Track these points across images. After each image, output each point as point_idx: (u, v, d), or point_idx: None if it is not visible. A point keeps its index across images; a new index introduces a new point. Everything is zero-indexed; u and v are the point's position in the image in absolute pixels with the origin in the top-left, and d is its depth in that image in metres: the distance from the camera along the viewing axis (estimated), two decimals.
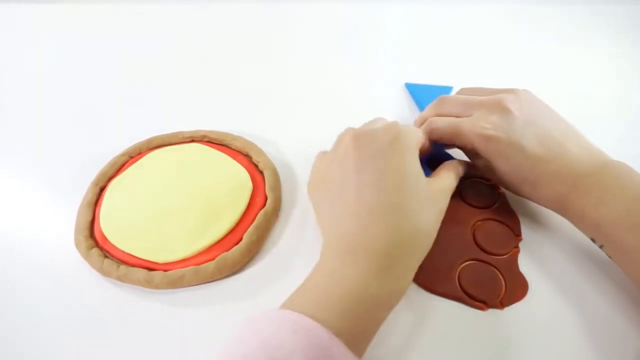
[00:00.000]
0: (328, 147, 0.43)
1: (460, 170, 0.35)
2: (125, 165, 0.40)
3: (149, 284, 0.32)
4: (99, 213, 0.36)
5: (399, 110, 0.48)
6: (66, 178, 0.41)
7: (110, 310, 0.32)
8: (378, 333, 0.29)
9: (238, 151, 0.41)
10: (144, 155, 0.41)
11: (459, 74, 0.53)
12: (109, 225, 0.35)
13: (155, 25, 0.64)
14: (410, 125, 0.33)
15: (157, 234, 0.34)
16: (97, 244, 0.34)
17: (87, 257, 0.33)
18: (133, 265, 0.33)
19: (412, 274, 0.27)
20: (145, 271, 0.32)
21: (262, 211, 0.36)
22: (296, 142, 0.44)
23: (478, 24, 0.64)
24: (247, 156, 0.41)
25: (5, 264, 0.35)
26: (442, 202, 0.30)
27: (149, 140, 0.42)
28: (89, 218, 0.36)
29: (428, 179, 0.30)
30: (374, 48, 0.59)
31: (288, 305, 0.25)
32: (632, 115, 0.48)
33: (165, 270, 0.32)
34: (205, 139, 0.43)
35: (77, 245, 0.34)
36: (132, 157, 0.41)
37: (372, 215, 0.27)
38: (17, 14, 0.66)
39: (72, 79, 0.54)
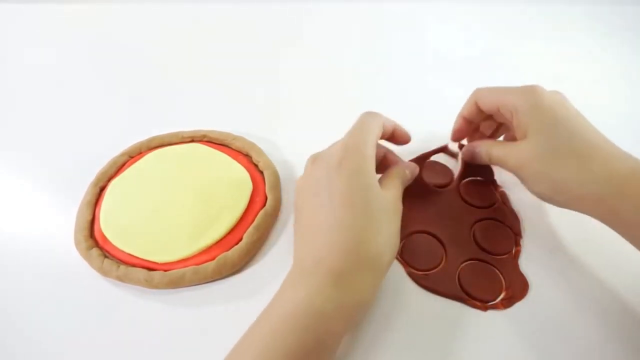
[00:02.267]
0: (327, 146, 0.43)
1: (408, 175, 0.34)
2: (125, 165, 0.40)
3: (149, 284, 0.32)
4: (99, 213, 0.36)
5: (400, 110, 0.48)
6: (66, 178, 0.41)
7: (110, 310, 0.32)
8: (378, 333, 0.29)
9: (238, 151, 0.41)
10: (144, 155, 0.41)
11: (461, 77, 0.53)
12: (109, 225, 0.35)
13: (155, 25, 0.64)
14: (363, 125, 0.31)
15: (157, 234, 0.34)
16: (97, 244, 0.34)
17: (86, 257, 0.33)
18: (133, 265, 0.33)
19: (372, 289, 0.27)
20: (145, 271, 0.32)
21: (262, 211, 0.35)
22: (296, 142, 0.43)
23: (483, 25, 0.64)
24: (247, 156, 0.41)
25: (5, 263, 0.35)
26: (395, 211, 0.30)
27: (149, 140, 0.42)
28: (89, 218, 0.36)
29: (381, 191, 0.29)
30: (375, 48, 0.59)
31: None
32: (631, 118, 0.48)
33: (165, 270, 0.32)
34: (205, 139, 0.43)
35: (77, 245, 0.34)
36: (132, 157, 0.41)
37: (323, 234, 0.27)
38: (17, 14, 0.66)
39: (72, 78, 0.54)
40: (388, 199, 0.29)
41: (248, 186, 0.37)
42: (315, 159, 0.31)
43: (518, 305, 0.31)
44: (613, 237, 0.28)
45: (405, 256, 0.34)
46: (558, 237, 0.35)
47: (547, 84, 0.34)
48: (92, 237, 0.35)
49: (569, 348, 0.29)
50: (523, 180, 0.32)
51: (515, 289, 0.31)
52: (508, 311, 0.31)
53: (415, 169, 0.35)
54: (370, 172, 0.29)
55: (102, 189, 0.38)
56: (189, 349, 0.29)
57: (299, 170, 0.41)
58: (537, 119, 0.30)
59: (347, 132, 0.31)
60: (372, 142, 0.30)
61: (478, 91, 0.35)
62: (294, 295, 0.25)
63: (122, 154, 0.41)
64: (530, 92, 0.31)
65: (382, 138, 0.33)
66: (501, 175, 0.39)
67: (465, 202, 0.37)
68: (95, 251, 0.33)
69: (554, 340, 0.29)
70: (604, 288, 0.32)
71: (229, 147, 0.42)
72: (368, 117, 0.32)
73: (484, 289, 0.31)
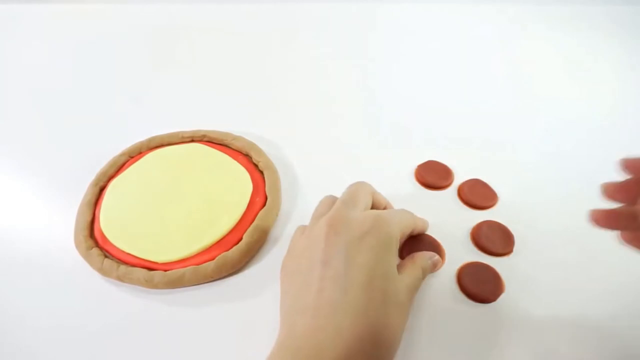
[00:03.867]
0: (328, 146, 0.43)
1: (430, 265, 0.30)
2: (125, 165, 0.40)
3: (149, 284, 0.32)
4: (98, 213, 0.36)
5: (400, 112, 0.48)
6: (66, 178, 0.41)
7: (110, 310, 0.32)
8: None
9: (238, 151, 0.41)
10: (144, 155, 0.41)
11: (459, 76, 0.53)
12: (109, 225, 0.35)
13: (155, 25, 0.64)
14: (396, 213, 0.30)
15: (157, 234, 0.34)
16: (97, 244, 0.34)
17: (86, 256, 0.33)
18: (133, 265, 0.33)
19: None
20: (145, 271, 0.32)
21: (262, 211, 0.35)
22: (296, 142, 0.44)
23: (479, 25, 0.64)
24: (247, 156, 0.41)
25: (5, 263, 0.35)
26: (408, 304, 0.27)
27: (149, 140, 0.42)
28: (89, 218, 0.36)
29: (399, 277, 0.27)
30: (377, 50, 0.59)
31: None
32: (627, 117, 0.48)
33: (165, 270, 0.32)
34: (205, 139, 0.43)
35: (77, 245, 0.34)
36: (132, 157, 0.41)
37: (329, 315, 0.24)
38: (17, 14, 0.66)
39: (72, 78, 0.54)
40: (404, 290, 0.27)
41: (248, 186, 0.37)
42: (330, 222, 0.28)
43: (517, 303, 0.31)
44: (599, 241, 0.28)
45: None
46: (557, 235, 0.35)
47: (545, 84, 0.34)
48: (92, 237, 0.35)
49: (568, 345, 0.29)
50: None
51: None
52: (506, 308, 0.31)
53: (439, 261, 0.32)
54: (395, 255, 0.27)
55: (102, 189, 0.38)
56: (189, 348, 0.29)
57: (299, 170, 0.41)
58: None
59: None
60: (403, 226, 0.29)
61: None
62: None
63: (122, 154, 0.41)
64: None
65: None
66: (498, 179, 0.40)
67: (465, 202, 0.37)
68: (95, 251, 0.33)
69: (551, 337, 0.29)
70: (602, 284, 0.32)
71: (229, 147, 0.42)
72: (395, 215, 0.29)
73: (484, 288, 0.31)
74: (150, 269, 0.32)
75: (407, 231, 0.30)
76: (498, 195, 0.38)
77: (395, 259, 0.27)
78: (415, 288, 0.28)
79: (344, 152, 0.43)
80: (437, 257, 0.31)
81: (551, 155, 0.42)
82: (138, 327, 0.31)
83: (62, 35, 0.62)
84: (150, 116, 0.48)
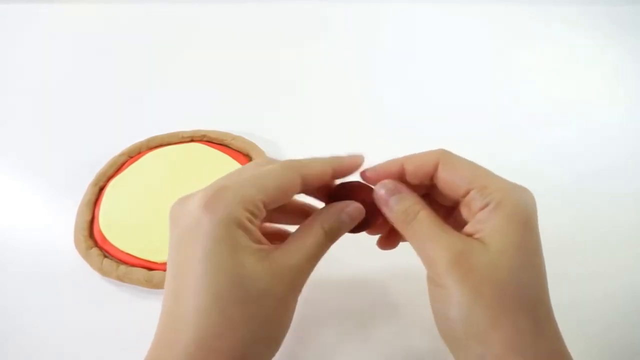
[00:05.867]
0: (328, 147, 0.43)
1: (341, 221, 0.22)
2: (125, 165, 0.40)
3: (149, 284, 0.32)
4: (98, 213, 0.36)
5: (403, 113, 0.48)
6: (66, 178, 0.41)
7: (110, 310, 0.32)
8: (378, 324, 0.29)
9: (238, 151, 0.41)
10: (144, 155, 0.41)
11: (457, 77, 0.53)
12: (109, 225, 0.35)
13: (155, 25, 0.64)
14: (256, 173, 0.21)
15: (156, 234, 0.34)
16: (96, 244, 0.34)
17: (86, 256, 0.33)
18: (133, 265, 0.33)
19: None
20: (144, 271, 0.32)
21: None
22: (296, 143, 0.43)
23: (476, 26, 0.64)
24: (247, 156, 0.41)
25: (4, 263, 0.35)
26: (277, 305, 0.19)
27: (149, 140, 0.42)
28: (88, 218, 0.36)
29: (262, 260, 0.19)
30: (381, 50, 0.59)
31: None
32: (627, 117, 0.48)
33: (165, 270, 0.32)
34: (205, 139, 0.43)
35: (77, 244, 0.34)
36: (131, 157, 0.41)
37: (158, 326, 0.20)
38: (17, 14, 0.66)
39: (71, 78, 0.54)
40: (267, 281, 0.19)
41: None
42: (172, 208, 0.23)
43: None
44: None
45: None
46: (555, 232, 0.35)
47: (544, 84, 0.34)
48: (91, 237, 0.35)
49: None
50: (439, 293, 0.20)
51: None
52: None
53: (357, 211, 0.22)
54: (236, 243, 0.19)
55: (102, 189, 0.38)
56: None
57: None
58: (525, 239, 0.21)
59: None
60: (266, 189, 0.21)
61: (445, 155, 0.23)
62: None
63: (122, 154, 0.41)
64: (523, 195, 0.22)
65: (311, 188, 0.23)
66: None
67: None
68: (94, 251, 0.33)
69: None
70: (598, 280, 0.32)
71: (229, 147, 0.42)
72: (269, 169, 0.22)
73: None
74: (150, 269, 0.32)
75: (278, 195, 0.21)
76: None
77: (250, 235, 0.20)
78: (301, 269, 0.20)
79: (345, 152, 0.42)
80: (353, 205, 0.22)
81: (550, 155, 0.42)
82: (138, 327, 0.31)
83: (62, 35, 0.62)
84: (149, 116, 0.48)
